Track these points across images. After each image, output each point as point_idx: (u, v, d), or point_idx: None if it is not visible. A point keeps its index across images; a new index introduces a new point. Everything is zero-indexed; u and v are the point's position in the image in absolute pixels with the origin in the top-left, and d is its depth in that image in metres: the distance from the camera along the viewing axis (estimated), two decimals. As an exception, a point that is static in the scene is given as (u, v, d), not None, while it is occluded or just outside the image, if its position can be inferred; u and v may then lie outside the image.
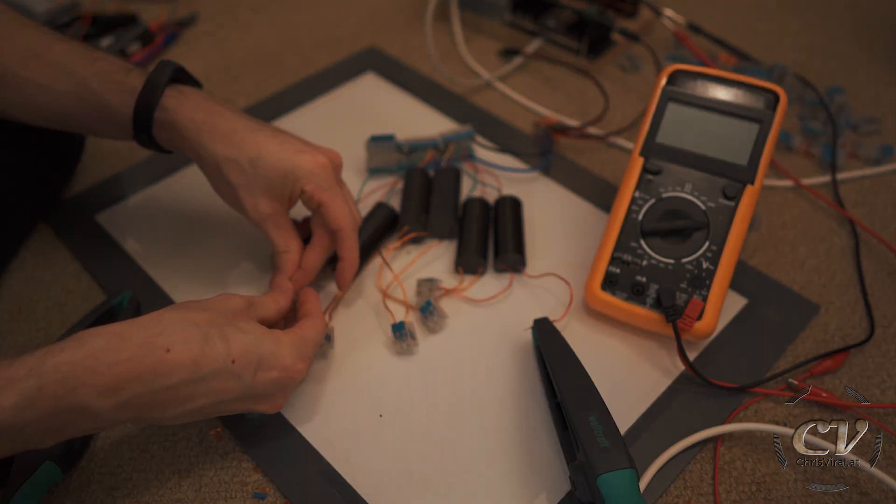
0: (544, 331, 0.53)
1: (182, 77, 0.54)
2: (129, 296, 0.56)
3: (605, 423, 0.45)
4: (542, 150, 0.71)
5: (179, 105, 0.51)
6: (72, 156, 0.68)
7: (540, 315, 0.55)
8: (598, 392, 0.47)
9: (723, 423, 0.50)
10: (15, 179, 0.60)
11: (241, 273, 0.60)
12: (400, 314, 0.57)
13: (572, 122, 0.74)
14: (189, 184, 0.69)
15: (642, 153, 0.56)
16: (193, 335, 0.42)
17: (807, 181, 0.68)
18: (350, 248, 0.54)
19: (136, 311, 0.56)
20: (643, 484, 0.47)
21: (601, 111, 0.73)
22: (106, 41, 0.82)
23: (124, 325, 0.41)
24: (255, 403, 0.46)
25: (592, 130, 0.73)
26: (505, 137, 0.73)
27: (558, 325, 0.55)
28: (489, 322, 0.57)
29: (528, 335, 0.56)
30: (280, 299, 0.51)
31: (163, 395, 0.40)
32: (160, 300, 0.58)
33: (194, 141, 0.51)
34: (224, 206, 0.66)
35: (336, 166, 0.54)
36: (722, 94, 0.56)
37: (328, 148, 0.55)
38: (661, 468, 0.48)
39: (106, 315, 0.55)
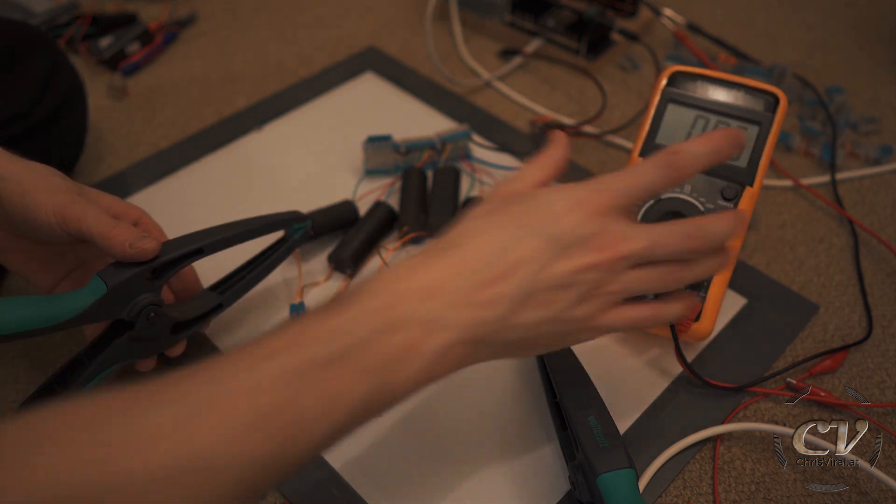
0: None
1: None
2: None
3: (604, 422, 0.45)
4: (539, 149, 0.71)
5: None
6: (70, 154, 0.68)
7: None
8: (597, 392, 0.47)
9: (722, 423, 0.50)
10: None
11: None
12: (399, 314, 0.57)
13: (569, 121, 0.74)
14: (189, 183, 0.69)
15: (642, 154, 0.56)
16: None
17: (806, 181, 0.68)
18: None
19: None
20: (643, 484, 0.47)
21: (599, 110, 0.73)
22: (105, 41, 0.82)
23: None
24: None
25: (589, 129, 0.73)
26: (503, 137, 0.73)
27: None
28: (489, 322, 0.57)
29: (528, 335, 0.56)
30: None
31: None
32: (160, 300, 0.59)
33: None
34: (224, 206, 0.66)
35: (66, 183, 0.47)
36: (721, 95, 0.56)
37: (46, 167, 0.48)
38: (661, 468, 0.48)
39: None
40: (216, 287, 0.54)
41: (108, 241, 0.45)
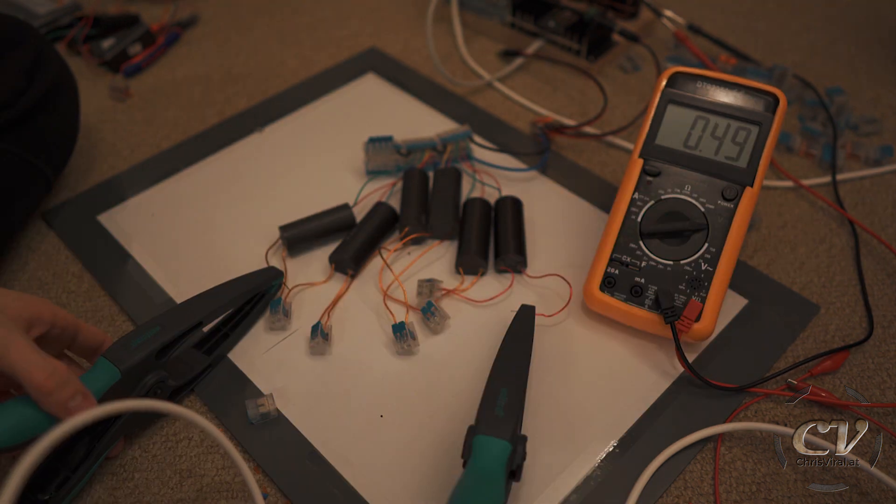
0: (522, 315, 0.54)
1: None
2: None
3: (511, 398, 0.46)
4: (540, 150, 0.71)
5: None
6: (63, 144, 0.67)
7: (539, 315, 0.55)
8: (525, 376, 0.48)
9: (723, 423, 0.50)
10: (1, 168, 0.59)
11: (242, 272, 0.60)
12: (400, 315, 0.57)
13: (570, 122, 0.74)
14: (191, 184, 0.69)
15: (642, 155, 0.57)
16: None
17: (807, 182, 0.69)
18: None
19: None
20: (642, 482, 0.47)
21: (600, 111, 0.73)
22: (107, 42, 0.83)
23: None
24: None
25: (590, 130, 0.73)
26: (504, 137, 0.73)
27: (554, 322, 0.55)
28: (490, 323, 0.57)
29: (529, 336, 0.56)
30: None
31: None
32: (163, 301, 0.59)
33: None
34: (226, 206, 0.66)
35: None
36: (721, 96, 0.56)
37: None
38: (661, 468, 0.48)
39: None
40: (201, 345, 0.54)
41: (41, 394, 0.41)
